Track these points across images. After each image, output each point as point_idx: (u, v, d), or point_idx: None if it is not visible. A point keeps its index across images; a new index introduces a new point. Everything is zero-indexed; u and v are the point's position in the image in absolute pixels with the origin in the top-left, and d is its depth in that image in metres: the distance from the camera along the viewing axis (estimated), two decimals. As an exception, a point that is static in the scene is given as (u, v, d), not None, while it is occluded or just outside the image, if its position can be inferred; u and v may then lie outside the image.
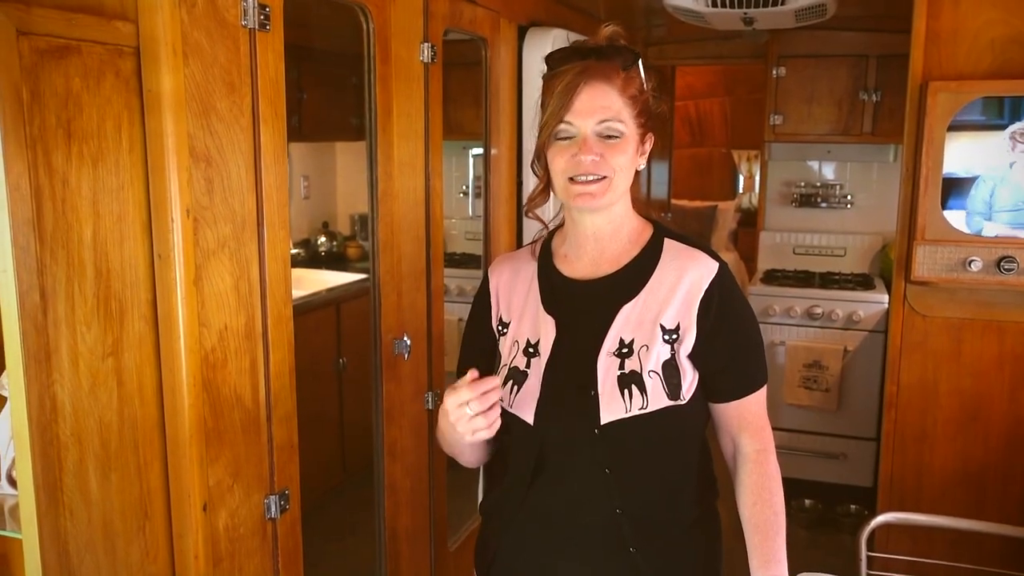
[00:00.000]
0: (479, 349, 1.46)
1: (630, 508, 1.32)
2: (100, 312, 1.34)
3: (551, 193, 1.37)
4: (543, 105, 1.32)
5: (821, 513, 3.65)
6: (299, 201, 4.17)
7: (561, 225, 1.44)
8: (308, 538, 1.83)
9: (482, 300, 1.48)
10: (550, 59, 1.34)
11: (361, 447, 2.40)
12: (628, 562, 1.33)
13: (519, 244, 2.92)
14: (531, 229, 2.80)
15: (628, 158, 1.30)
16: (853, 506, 3.62)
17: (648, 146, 1.36)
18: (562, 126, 1.29)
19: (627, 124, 1.29)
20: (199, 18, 1.43)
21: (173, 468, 1.49)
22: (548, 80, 1.32)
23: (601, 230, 1.37)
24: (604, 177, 1.28)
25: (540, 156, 1.36)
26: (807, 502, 3.67)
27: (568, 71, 1.29)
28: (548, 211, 1.45)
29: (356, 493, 2.70)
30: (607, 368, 1.30)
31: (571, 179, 1.29)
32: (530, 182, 2.87)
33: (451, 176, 3.68)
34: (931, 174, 2.41)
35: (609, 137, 1.28)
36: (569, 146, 1.29)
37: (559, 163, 1.30)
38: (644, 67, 1.35)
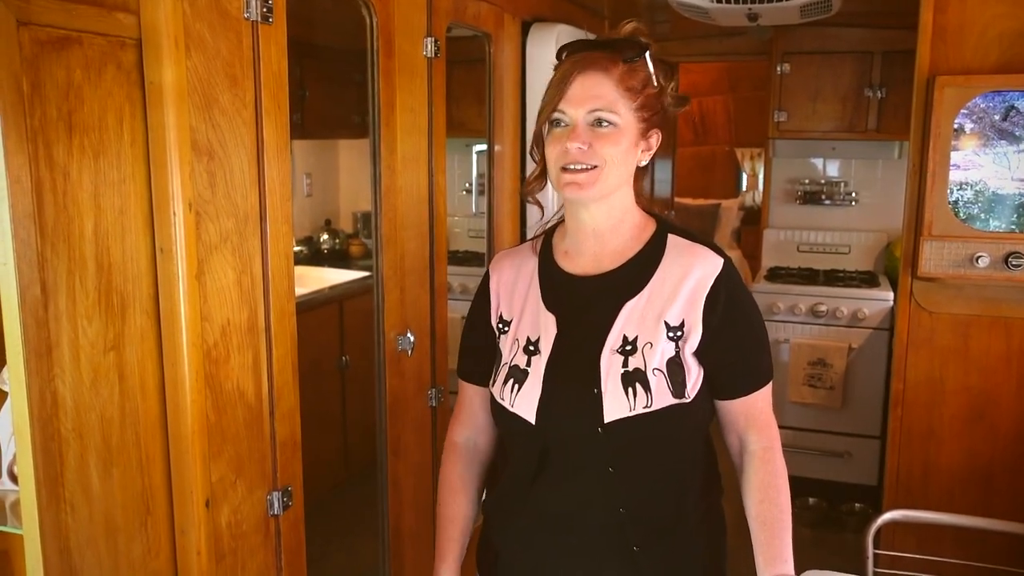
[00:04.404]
0: (478, 349, 1.45)
1: (634, 507, 1.31)
2: (101, 306, 1.33)
3: (547, 180, 1.37)
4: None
5: (825, 511, 3.64)
6: (302, 199, 4.17)
7: (563, 220, 1.43)
8: (311, 535, 1.81)
9: (482, 298, 1.46)
10: (559, 51, 1.34)
11: (364, 444, 2.39)
12: (631, 561, 1.32)
13: (522, 241, 2.90)
14: (533, 226, 2.79)
15: (621, 150, 1.29)
16: (857, 504, 3.61)
17: (654, 142, 1.34)
18: (556, 114, 1.29)
19: (623, 116, 1.28)
20: (201, 10, 1.41)
21: (175, 464, 1.48)
22: (554, 71, 1.33)
23: (600, 224, 1.35)
24: (594, 167, 1.27)
25: (538, 142, 1.35)
26: (811, 500, 3.65)
27: (567, 61, 1.30)
28: (548, 198, 1.44)
29: (359, 490, 2.69)
30: (610, 365, 1.29)
31: (563, 168, 1.28)
32: (534, 178, 2.88)
33: (454, 173, 3.67)
34: (938, 169, 2.39)
35: (601, 127, 1.27)
36: (563, 134, 1.28)
37: (553, 152, 1.30)
38: (657, 63, 1.33)
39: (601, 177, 1.28)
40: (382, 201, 2.10)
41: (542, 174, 1.37)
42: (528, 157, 2.80)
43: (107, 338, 1.35)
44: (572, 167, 1.27)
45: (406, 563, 2.31)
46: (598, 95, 1.27)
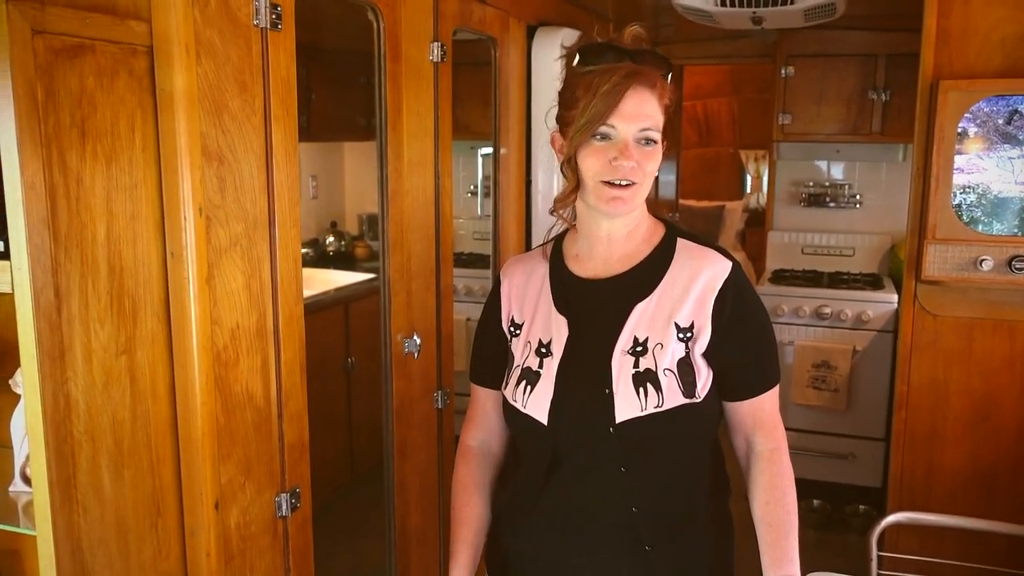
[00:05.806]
0: (490, 353, 1.47)
1: (646, 506, 1.32)
2: (113, 310, 1.35)
3: (577, 194, 1.33)
4: (575, 99, 1.28)
5: (829, 513, 3.64)
6: (307, 201, 4.18)
7: (572, 226, 1.44)
8: (318, 536, 1.83)
9: (493, 303, 1.48)
10: (585, 52, 1.30)
11: (370, 446, 2.40)
12: (643, 560, 1.33)
13: (528, 244, 2.92)
14: (539, 228, 2.80)
15: (657, 165, 1.30)
16: (862, 506, 3.62)
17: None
18: (604, 128, 1.26)
19: (660, 132, 1.29)
20: (212, 17, 1.43)
21: (185, 466, 1.49)
22: (583, 75, 1.28)
23: (616, 232, 1.36)
24: (633, 183, 1.28)
25: (571, 157, 1.30)
26: (815, 502, 3.66)
27: (615, 71, 1.26)
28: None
29: (365, 492, 2.71)
30: (622, 366, 1.30)
31: (605, 183, 1.27)
32: (539, 181, 2.89)
33: (459, 176, 3.68)
34: (942, 173, 2.40)
35: (646, 145, 1.28)
36: (606, 148, 1.27)
37: (593, 164, 1.27)
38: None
39: (639, 193, 1.30)
40: (389, 204, 2.12)
41: (575, 189, 1.33)
42: (534, 159, 2.84)
43: (119, 341, 1.36)
44: (620, 182, 1.27)
45: (412, 564, 2.32)
46: (648, 114, 1.27)
